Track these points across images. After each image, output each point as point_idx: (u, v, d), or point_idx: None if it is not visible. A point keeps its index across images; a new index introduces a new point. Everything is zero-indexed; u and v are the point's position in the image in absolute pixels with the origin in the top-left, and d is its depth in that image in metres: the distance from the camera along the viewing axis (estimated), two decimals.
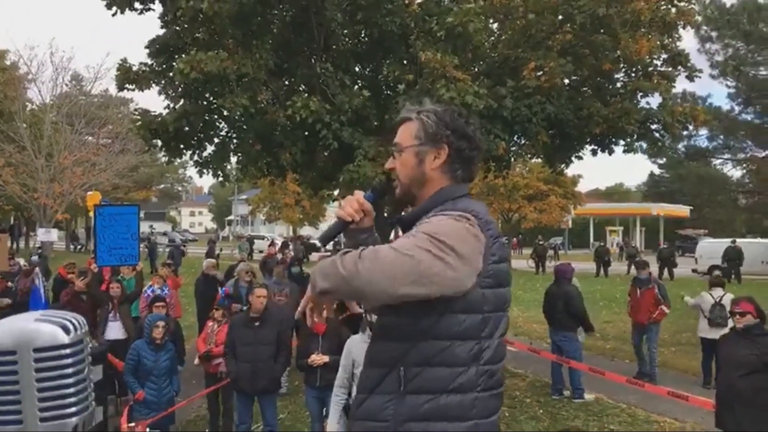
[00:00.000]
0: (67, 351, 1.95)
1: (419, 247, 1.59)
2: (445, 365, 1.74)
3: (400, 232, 1.98)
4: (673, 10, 9.49)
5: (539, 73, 8.52)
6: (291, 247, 25.36)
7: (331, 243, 2.00)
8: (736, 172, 19.41)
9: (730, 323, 8.92)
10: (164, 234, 57.69)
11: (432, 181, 1.94)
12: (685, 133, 12.12)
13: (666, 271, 26.14)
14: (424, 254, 1.58)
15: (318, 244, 1.98)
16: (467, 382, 1.74)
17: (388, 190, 2.06)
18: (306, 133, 9.27)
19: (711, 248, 28.08)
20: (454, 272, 1.61)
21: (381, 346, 1.85)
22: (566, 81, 9.29)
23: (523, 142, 10.19)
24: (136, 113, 10.38)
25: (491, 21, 10.32)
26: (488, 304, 1.77)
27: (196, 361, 7.25)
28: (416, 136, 1.94)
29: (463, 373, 1.74)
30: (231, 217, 75.49)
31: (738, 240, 27.40)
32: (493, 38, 10.31)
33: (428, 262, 1.57)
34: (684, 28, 9.64)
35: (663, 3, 9.44)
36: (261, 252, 30.40)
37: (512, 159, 11.17)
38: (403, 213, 2.06)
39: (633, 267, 9.95)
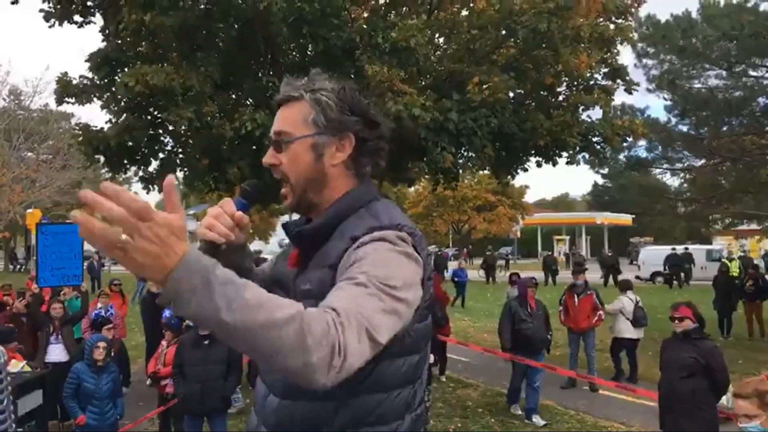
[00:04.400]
0: None
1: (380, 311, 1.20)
2: (381, 423, 1.39)
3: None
4: (612, 26, 9.84)
5: (484, 87, 8.67)
6: None
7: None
8: (674, 181, 20.13)
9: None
10: None
11: (334, 181, 1.51)
12: (625, 145, 12.53)
13: (611, 278, 26.87)
14: (384, 317, 1.20)
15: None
16: None
17: (262, 193, 1.64)
18: (254, 147, 9.19)
19: (653, 255, 29.07)
20: (405, 318, 1.28)
21: (297, 407, 1.40)
22: (510, 95, 9.49)
23: (469, 154, 10.35)
24: (77, 128, 10.11)
25: (437, 36, 10.50)
26: (424, 339, 1.46)
27: (148, 381, 7.08)
28: (312, 121, 1.48)
29: (399, 426, 1.41)
30: None
31: (678, 247, 28.44)
32: (439, 52, 10.47)
33: (387, 324, 1.20)
34: (621, 44, 9.99)
35: (602, 20, 9.78)
36: None
37: (460, 171, 11.32)
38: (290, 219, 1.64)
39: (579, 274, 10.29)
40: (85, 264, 19.51)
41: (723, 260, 20.03)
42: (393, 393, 1.39)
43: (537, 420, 7.88)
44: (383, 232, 1.36)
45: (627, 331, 9.83)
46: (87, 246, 10.14)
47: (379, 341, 1.16)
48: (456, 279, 20.61)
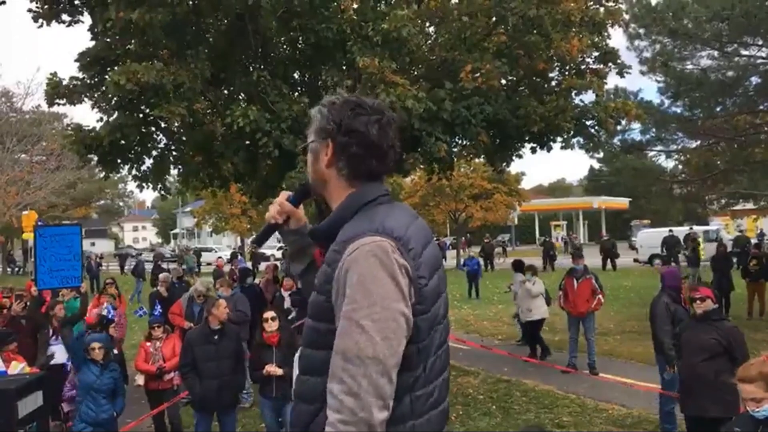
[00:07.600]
0: None
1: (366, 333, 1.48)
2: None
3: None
4: (602, 10, 9.79)
5: (476, 75, 8.63)
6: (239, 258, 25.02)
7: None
8: (669, 163, 20.14)
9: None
10: (151, 250, 53.68)
11: (330, 180, 1.81)
12: (618, 127, 12.49)
13: (609, 262, 26.93)
14: (372, 339, 1.48)
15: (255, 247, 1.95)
16: (400, 414, 1.58)
17: (310, 191, 1.94)
18: (247, 142, 9.17)
19: (651, 237, 29.07)
20: (403, 329, 1.53)
21: (314, 354, 1.67)
22: (503, 81, 9.45)
23: (464, 143, 10.32)
24: (69, 129, 10.06)
25: (428, 24, 10.44)
26: (422, 333, 1.61)
27: (141, 381, 7.06)
28: (313, 131, 1.84)
29: (397, 404, 1.55)
30: (176, 231, 73.97)
31: (675, 228, 28.46)
32: (430, 41, 10.42)
33: (390, 349, 1.49)
34: (612, 27, 9.95)
35: (592, 3, 9.73)
36: (209, 264, 29.93)
37: (454, 160, 11.29)
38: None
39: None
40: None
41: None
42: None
43: None
44: (359, 249, 1.55)
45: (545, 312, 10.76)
46: (86, 247, 10.12)
47: (392, 365, 1.50)
48: (467, 268, 20.53)
